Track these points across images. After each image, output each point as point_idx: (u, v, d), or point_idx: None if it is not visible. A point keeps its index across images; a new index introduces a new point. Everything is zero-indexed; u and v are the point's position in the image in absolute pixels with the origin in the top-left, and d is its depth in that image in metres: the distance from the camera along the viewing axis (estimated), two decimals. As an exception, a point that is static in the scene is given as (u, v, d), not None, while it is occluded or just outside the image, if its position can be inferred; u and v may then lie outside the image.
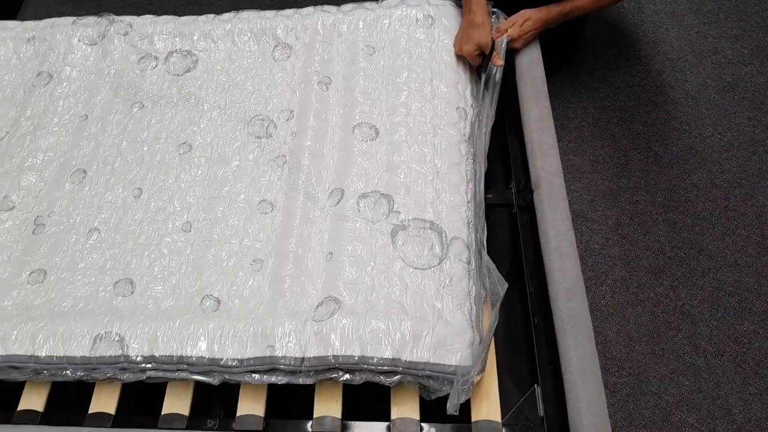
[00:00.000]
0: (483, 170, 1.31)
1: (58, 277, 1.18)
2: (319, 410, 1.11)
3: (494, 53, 1.40)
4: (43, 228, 1.26)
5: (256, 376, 1.08)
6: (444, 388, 1.05)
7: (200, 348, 1.07)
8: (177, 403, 1.13)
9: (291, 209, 1.24)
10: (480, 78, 1.44)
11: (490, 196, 1.35)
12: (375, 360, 1.04)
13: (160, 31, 1.56)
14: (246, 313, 1.11)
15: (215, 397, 1.13)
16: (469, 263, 1.17)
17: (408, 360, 1.04)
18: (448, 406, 1.03)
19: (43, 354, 1.09)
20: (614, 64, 2.11)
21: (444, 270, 1.14)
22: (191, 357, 1.07)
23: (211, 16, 1.59)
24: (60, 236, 1.25)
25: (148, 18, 1.60)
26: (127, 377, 1.10)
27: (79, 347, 1.09)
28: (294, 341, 1.06)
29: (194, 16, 1.60)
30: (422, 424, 1.09)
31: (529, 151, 1.37)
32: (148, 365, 1.08)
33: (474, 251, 1.19)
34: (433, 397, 1.08)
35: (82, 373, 1.10)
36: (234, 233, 1.21)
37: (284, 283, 1.13)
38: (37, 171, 1.36)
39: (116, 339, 1.09)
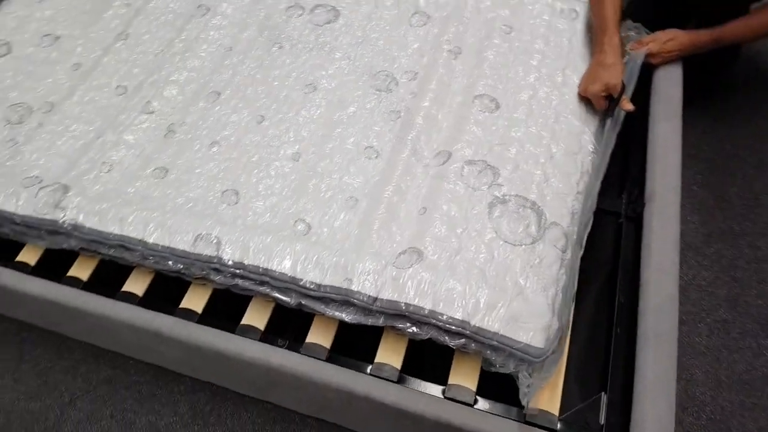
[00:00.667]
0: (604, 169, 1.27)
1: (177, 177, 1.29)
2: (380, 357, 1.13)
3: (623, 98, 1.30)
4: (173, 134, 1.38)
5: (329, 308, 1.12)
6: (508, 364, 1.04)
7: (285, 265, 1.13)
8: (255, 318, 1.20)
9: (394, 160, 1.27)
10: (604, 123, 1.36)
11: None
12: (444, 317, 1.05)
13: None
14: (332, 243, 1.15)
15: (290, 324, 1.18)
16: (564, 251, 1.15)
17: (477, 325, 1.04)
18: (521, 397, 1.02)
19: (151, 240, 1.20)
20: (763, 107, 1.96)
21: (535, 251, 1.13)
22: (275, 271, 1.13)
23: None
24: (186, 144, 1.36)
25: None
26: (218, 279, 1.18)
27: (182, 242, 1.19)
28: (371, 280, 1.09)
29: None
30: (477, 396, 1.08)
31: (649, 164, 1.33)
32: (237, 271, 1.15)
33: (573, 243, 1.17)
34: (493, 369, 1.07)
35: (180, 266, 1.19)
36: (336, 170, 1.27)
37: (373, 225, 1.17)
38: (179, 86, 1.49)
39: (214, 241, 1.17)
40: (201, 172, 1.30)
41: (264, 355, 1.15)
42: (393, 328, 1.12)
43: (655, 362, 1.06)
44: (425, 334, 1.08)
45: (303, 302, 1.14)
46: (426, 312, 1.06)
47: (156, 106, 1.45)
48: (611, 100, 1.33)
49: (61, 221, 1.25)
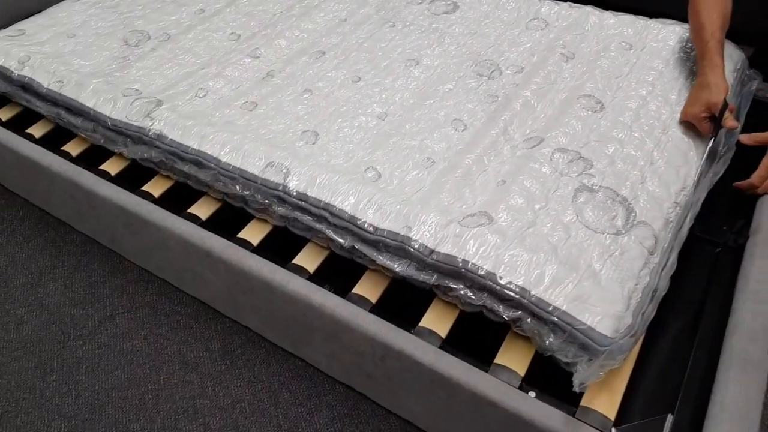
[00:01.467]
0: (704, 194, 1.17)
1: (264, 112, 1.32)
2: (425, 322, 1.06)
3: (726, 115, 1.19)
4: (272, 78, 1.43)
5: (382, 256, 1.07)
6: (566, 350, 0.94)
7: (347, 203, 1.10)
8: (306, 260, 1.17)
9: (482, 135, 1.24)
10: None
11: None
12: (503, 282, 0.97)
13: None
14: (399, 192, 1.12)
15: (339, 277, 1.14)
16: (651, 253, 1.05)
17: (538, 296, 0.95)
18: (575, 384, 0.91)
19: (224, 159, 1.21)
20: None
21: (618, 242, 1.04)
22: (335, 207, 1.10)
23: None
24: (280, 87, 1.40)
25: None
26: (280, 210, 1.17)
27: (253, 166, 1.19)
28: (431, 232, 1.04)
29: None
30: (523, 383, 0.98)
31: (760, 199, 1.22)
32: (300, 202, 1.13)
33: (663, 250, 1.06)
34: (547, 354, 0.97)
35: (247, 192, 1.19)
36: (419, 132, 1.25)
37: (446, 185, 1.13)
38: (288, 41, 1.55)
39: (283, 171, 1.17)
40: (288, 111, 1.33)
41: (306, 290, 1.11)
42: (444, 291, 1.06)
43: (740, 391, 0.93)
44: (478, 300, 1.01)
45: (357, 246, 1.10)
46: (484, 272, 0.98)
47: (262, 53, 1.51)
48: (714, 121, 1.23)
49: (147, 128, 1.29)
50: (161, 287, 1.44)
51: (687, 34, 1.50)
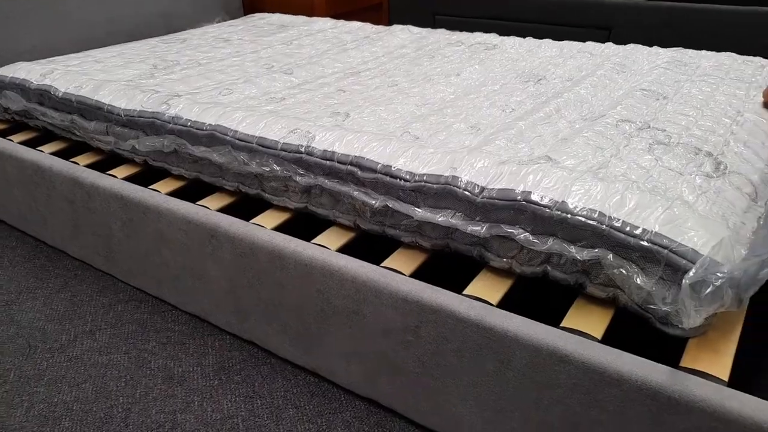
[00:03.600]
0: None
1: (293, 103, 1.25)
2: (471, 290, 0.87)
3: None
4: (303, 85, 1.38)
5: (420, 209, 0.92)
6: (664, 292, 0.74)
7: (380, 154, 0.97)
8: (328, 240, 1.01)
9: (532, 112, 1.15)
10: None
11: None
12: (574, 208, 0.79)
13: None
14: (442, 146, 0.99)
15: (367, 254, 0.97)
16: (754, 200, 0.87)
17: (622, 218, 0.77)
18: (683, 319, 0.70)
19: (242, 129, 1.11)
20: None
21: (711, 183, 0.87)
22: (365, 158, 0.97)
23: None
24: (312, 89, 1.35)
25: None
26: (302, 181, 1.04)
27: (274, 134, 1.09)
28: (481, 170, 0.89)
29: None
30: (605, 345, 0.75)
31: None
32: (325, 162, 1.01)
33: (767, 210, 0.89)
34: (636, 308, 0.76)
35: (266, 169, 1.07)
36: (461, 112, 1.17)
37: (497, 140, 1.00)
38: (323, 67, 1.53)
39: (308, 136, 1.06)
40: (318, 102, 1.26)
41: (324, 256, 0.94)
42: (498, 250, 0.88)
43: None
44: (542, 244, 0.82)
45: (390, 204, 0.95)
46: (549, 201, 0.81)
47: (296, 72, 1.48)
48: None
49: (163, 112, 1.22)
50: (155, 306, 1.26)
51: (729, 62, 1.44)
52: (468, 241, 0.91)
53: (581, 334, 0.77)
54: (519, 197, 0.83)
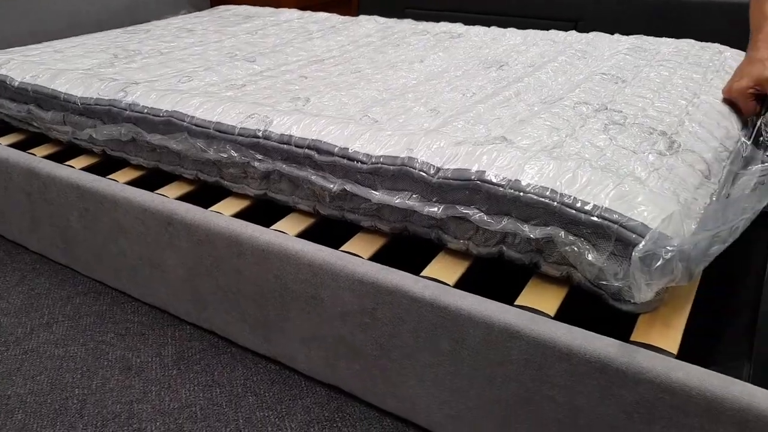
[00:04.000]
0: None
1: (253, 90, 1.24)
2: (429, 271, 0.87)
3: None
4: (265, 72, 1.37)
5: (377, 191, 0.92)
6: (616, 268, 0.74)
7: (337, 137, 0.96)
8: (288, 226, 1.01)
9: (492, 95, 1.15)
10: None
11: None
12: (527, 186, 0.80)
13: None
14: (400, 128, 0.99)
15: (326, 240, 0.96)
16: (707, 177, 0.89)
17: (573, 195, 0.77)
18: (634, 293, 0.71)
19: (198, 115, 1.10)
20: None
21: (663, 161, 0.88)
22: (322, 141, 0.96)
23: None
24: (274, 76, 1.34)
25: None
26: (259, 167, 1.03)
27: (231, 119, 1.08)
28: (437, 151, 0.89)
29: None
30: (555, 321, 0.76)
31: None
32: (283, 146, 1.00)
33: (720, 186, 0.90)
34: (589, 285, 0.77)
35: (223, 155, 1.06)
36: (422, 97, 1.17)
37: (455, 122, 1.01)
38: (286, 55, 1.52)
39: (265, 120, 1.05)
40: (279, 88, 1.25)
41: (281, 240, 0.94)
42: (455, 231, 0.88)
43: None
44: (497, 223, 0.82)
45: (347, 188, 0.95)
46: (502, 180, 0.81)
47: (259, 60, 1.47)
48: (762, 102, 1.12)
49: (120, 99, 1.20)
50: (115, 297, 1.25)
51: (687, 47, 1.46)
52: (425, 223, 0.91)
53: (534, 311, 0.78)
54: (473, 177, 0.84)
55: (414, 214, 0.91)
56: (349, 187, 0.95)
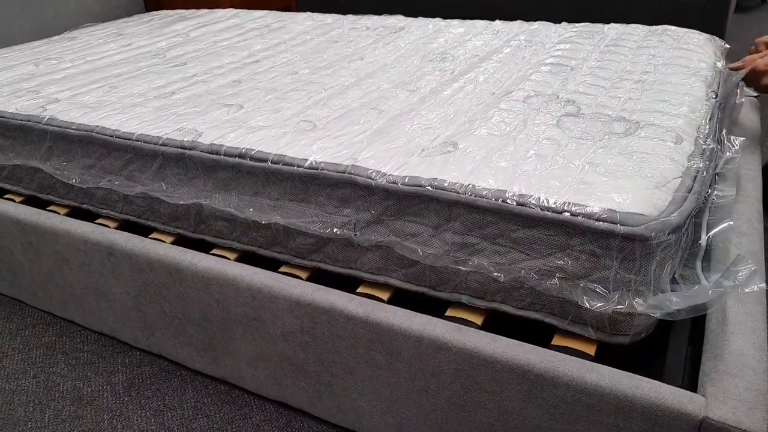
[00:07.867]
0: None
1: (183, 98, 1.28)
2: (365, 288, 0.93)
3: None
4: (197, 77, 1.41)
5: (312, 205, 0.95)
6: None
7: (272, 146, 0.99)
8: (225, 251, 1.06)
9: (437, 91, 1.21)
10: None
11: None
12: (480, 191, 0.81)
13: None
14: (343, 134, 1.03)
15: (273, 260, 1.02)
16: (677, 143, 0.92)
17: (523, 193, 0.80)
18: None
19: (123, 129, 1.13)
20: None
21: (623, 142, 0.92)
22: (253, 150, 0.99)
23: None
24: (206, 80, 1.39)
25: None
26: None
27: (158, 131, 1.10)
28: (384, 162, 0.92)
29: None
30: (480, 330, 0.83)
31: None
32: (212, 156, 1.02)
33: (699, 154, 0.93)
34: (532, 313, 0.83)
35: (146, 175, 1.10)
36: (364, 97, 1.21)
37: (400, 124, 1.05)
38: (222, 56, 1.55)
39: (194, 132, 1.08)
40: (212, 92, 1.30)
41: (219, 266, 0.99)
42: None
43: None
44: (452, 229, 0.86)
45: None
46: (455, 186, 0.83)
47: (190, 65, 1.51)
48: None
49: (40, 115, 1.23)
50: (63, 327, 1.30)
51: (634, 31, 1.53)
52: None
53: (464, 322, 0.84)
54: (425, 184, 0.85)
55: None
56: (277, 199, 0.99)
